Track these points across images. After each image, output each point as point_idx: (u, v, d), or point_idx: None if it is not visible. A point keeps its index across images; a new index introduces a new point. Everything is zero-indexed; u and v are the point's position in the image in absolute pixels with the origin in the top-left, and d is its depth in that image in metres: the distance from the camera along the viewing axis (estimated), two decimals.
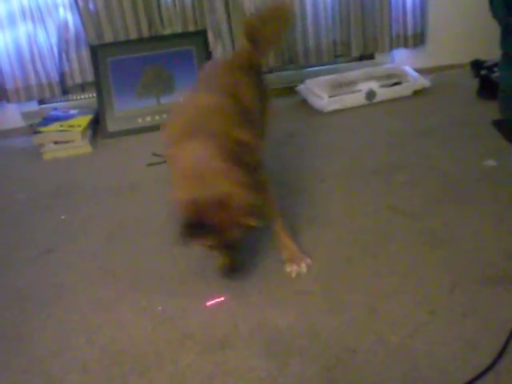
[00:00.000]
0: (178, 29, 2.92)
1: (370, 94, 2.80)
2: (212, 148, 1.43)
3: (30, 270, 1.81)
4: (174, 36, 2.94)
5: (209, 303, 1.54)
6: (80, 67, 2.94)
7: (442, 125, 2.47)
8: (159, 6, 2.88)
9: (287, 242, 1.66)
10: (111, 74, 2.90)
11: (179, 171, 1.46)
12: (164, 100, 2.90)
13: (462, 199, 1.88)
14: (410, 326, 1.36)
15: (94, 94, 2.97)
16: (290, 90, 3.01)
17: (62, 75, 2.95)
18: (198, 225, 1.37)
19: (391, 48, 3.07)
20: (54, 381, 1.36)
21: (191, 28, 2.93)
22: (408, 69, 2.99)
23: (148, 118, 2.86)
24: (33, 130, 2.82)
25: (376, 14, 2.98)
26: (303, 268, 1.61)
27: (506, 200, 1.84)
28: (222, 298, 1.54)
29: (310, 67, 3.10)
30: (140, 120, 2.88)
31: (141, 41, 2.93)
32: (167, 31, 2.94)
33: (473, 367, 1.22)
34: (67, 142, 2.69)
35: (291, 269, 1.61)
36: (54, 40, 2.88)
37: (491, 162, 2.07)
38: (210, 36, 2.93)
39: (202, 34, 2.92)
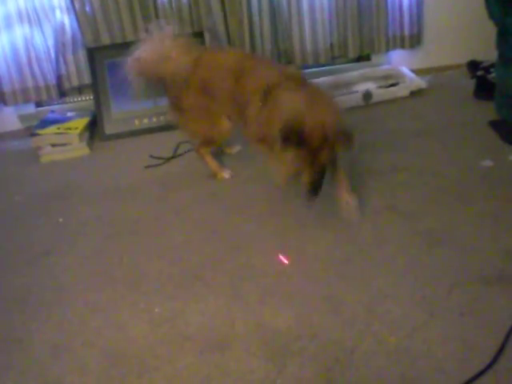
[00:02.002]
0: (175, 30, 2.92)
1: (367, 95, 2.81)
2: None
3: (28, 273, 1.81)
4: None
5: (281, 257, 1.70)
6: (77, 69, 2.94)
7: (438, 125, 2.48)
8: (156, 8, 2.88)
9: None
10: (108, 76, 2.90)
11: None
12: (161, 102, 2.88)
13: (460, 199, 1.89)
14: (409, 327, 1.36)
15: (91, 97, 2.97)
16: None
17: (58, 78, 2.95)
18: (298, 131, 1.59)
19: (388, 49, 3.08)
20: (53, 382, 1.35)
21: (188, 30, 2.93)
22: (405, 70, 3.00)
23: (145, 120, 2.86)
24: (30, 132, 2.81)
25: (372, 15, 2.98)
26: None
27: (503, 200, 1.85)
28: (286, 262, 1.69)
29: (307, 69, 3.10)
30: (137, 122, 2.87)
31: (138, 43, 2.92)
32: None
33: (471, 367, 1.23)
34: (64, 144, 2.69)
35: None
36: (50, 42, 2.88)
37: (488, 162, 2.07)
38: (207, 37, 2.93)
39: (198, 36, 2.92)
